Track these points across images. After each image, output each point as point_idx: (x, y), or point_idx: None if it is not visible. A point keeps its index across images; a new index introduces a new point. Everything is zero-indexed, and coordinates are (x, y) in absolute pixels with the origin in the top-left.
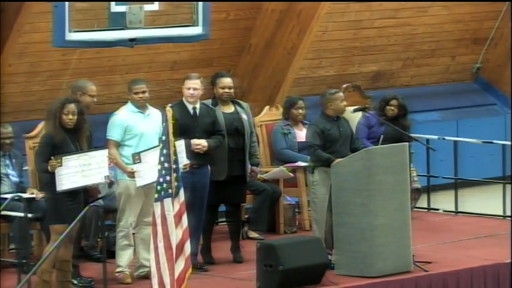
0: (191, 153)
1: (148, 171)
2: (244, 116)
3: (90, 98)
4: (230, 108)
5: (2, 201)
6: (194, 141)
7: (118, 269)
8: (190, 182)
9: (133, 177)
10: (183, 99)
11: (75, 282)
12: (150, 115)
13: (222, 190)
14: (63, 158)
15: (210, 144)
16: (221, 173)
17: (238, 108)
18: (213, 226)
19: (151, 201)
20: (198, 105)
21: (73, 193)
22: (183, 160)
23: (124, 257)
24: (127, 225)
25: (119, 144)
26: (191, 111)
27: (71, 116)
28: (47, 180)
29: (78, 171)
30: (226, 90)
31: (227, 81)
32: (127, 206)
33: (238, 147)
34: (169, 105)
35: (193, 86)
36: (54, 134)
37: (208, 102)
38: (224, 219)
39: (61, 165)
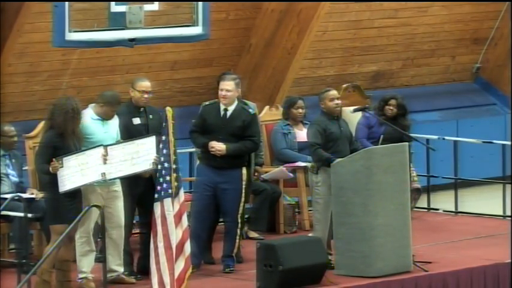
0: (213, 154)
1: (115, 166)
2: None
3: (138, 93)
4: None
5: (2, 201)
6: (212, 143)
7: (81, 275)
8: (213, 181)
9: None
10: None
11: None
12: (109, 122)
13: None
14: (64, 158)
15: (228, 148)
16: None
17: None
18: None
19: (113, 206)
20: (232, 107)
21: (72, 193)
22: (152, 156)
23: (86, 263)
24: (87, 230)
25: None
26: (221, 113)
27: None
28: (46, 181)
29: (77, 170)
30: None
31: None
32: (87, 212)
33: None
34: (205, 103)
35: (226, 87)
36: (73, 135)
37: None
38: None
39: (62, 166)
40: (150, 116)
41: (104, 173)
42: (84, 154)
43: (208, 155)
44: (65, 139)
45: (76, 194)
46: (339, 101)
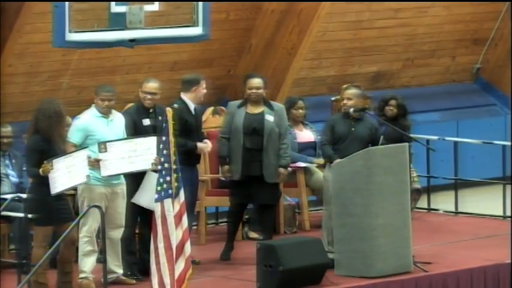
0: (197, 153)
1: (114, 162)
2: (268, 118)
3: (142, 94)
4: (257, 109)
5: (2, 201)
6: (201, 145)
7: (81, 275)
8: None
9: (97, 166)
10: (183, 97)
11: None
12: (113, 120)
13: (241, 190)
14: (54, 161)
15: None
16: (236, 172)
17: (267, 110)
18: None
19: (117, 207)
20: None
21: (59, 194)
22: (153, 156)
23: (88, 263)
24: (91, 230)
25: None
26: (193, 112)
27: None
28: (33, 182)
29: (65, 172)
30: (254, 90)
31: (254, 82)
32: (90, 211)
33: (255, 148)
34: (175, 106)
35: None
36: (59, 138)
37: (236, 103)
38: (225, 220)
39: (53, 169)
40: (160, 118)
41: (89, 175)
42: (71, 156)
43: (188, 156)
44: (51, 143)
45: (62, 195)
46: (346, 101)
